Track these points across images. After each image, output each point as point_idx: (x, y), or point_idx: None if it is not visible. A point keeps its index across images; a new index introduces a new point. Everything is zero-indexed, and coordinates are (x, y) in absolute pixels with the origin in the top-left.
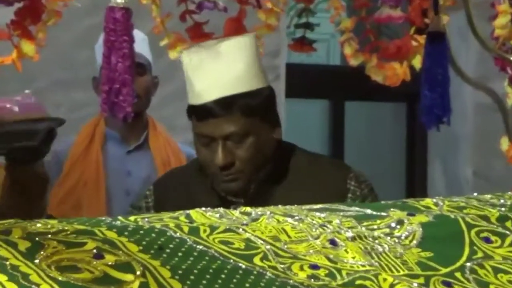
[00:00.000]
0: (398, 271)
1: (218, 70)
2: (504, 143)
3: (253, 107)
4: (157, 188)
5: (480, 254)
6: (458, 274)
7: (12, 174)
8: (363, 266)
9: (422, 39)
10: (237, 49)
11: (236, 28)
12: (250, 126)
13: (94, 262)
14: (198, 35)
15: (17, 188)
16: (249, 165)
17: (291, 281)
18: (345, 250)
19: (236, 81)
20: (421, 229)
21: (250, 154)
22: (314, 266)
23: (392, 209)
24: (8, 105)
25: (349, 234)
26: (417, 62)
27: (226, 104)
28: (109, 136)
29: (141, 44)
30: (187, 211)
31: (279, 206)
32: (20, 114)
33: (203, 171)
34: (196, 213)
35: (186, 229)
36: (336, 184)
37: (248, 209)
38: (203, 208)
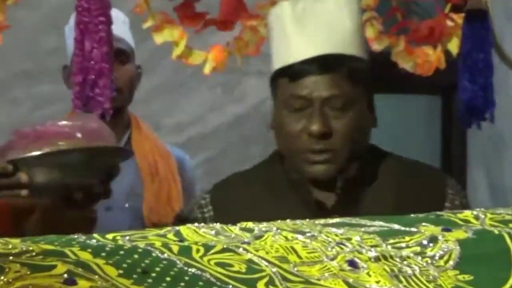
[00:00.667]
0: None
1: (324, 24)
2: None
3: (361, 73)
4: (217, 194)
5: None
6: None
7: (56, 216)
8: None
9: (459, 18)
10: (347, 4)
11: (235, 6)
12: (354, 95)
13: None
14: (189, 15)
15: (56, 231)
16: (347, 144)
17: None
18: (367, 273)
19: (343, 41)
20: (458, 247)
21: (350, 129)
22: None
23: (423, 224)
24: (67, 130)
25: (372, 253)
26: (454, 46)
27: (332, 62)
28: None
29: (122, 26)
30: (176, 228)
31: (288, 221)
32: (83, 141)
33: (287, 154)
34: (187, 230)
35: (175, 248)
36: (433, 190)
37: (250, 224)
38: (196, 224)
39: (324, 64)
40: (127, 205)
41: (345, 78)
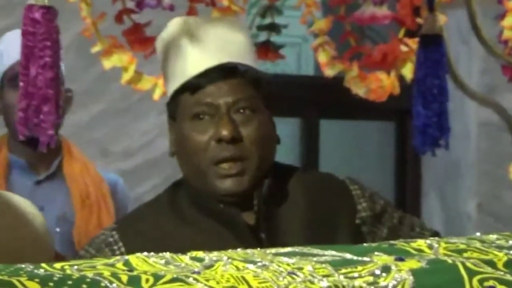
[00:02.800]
0: None
1: (219, 36)
2: None
3: (260, 79)
4: (125, 230)
5: None
6: None
7: None
8: None
9: (414, 43)
10: (235, 23)
11: None
12: (257, 100)
13: None
14: (138, 39)
15: None
16: (257, 151)
17: None
18: None
19: (239, 51)
20: (412, 277)
21: (259, 135)
22: None
23: (376, 253)
24: None
25: (324, 283)
26: (408, 71)
27: (232, 69)
28: (14, 164)
29: None
30: (126, 257)
31: (238, 250)
32: None
33: (193, 177)
34: (136, 259)
35: (124, 278)
36: (340, 194)
37: (201, 254)
38: (145, 253)
39: (224, 71)
40: (58, 229)
41: (247, 83)
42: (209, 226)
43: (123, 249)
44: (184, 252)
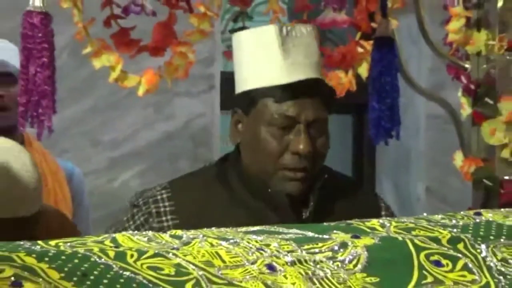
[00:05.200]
0: None
1: (303, 49)
2: (458, 158)
3: (330, 98)
4: (175, 187)
5: (430, 279)
6: None
7: None
8: None
9: (369, 45)
10: (312, 32)
11: (165, 34)
12: (326, 119)
13: None
14: (124, 42)
15: None
16: (319, 164)
17: None
18: (284, 276)
19: (317, 65)
20: (366, 252)
21: (324, 150)
22: None
23: (335, 231)
24: None
25: (289, 258)
26: (364, 70)
27: (313, 86)
28: None
29: (8, 52)
30: (113, 235)
31: (213, 228)
32: None
33: (257, 169)
34: (122, 237)
35: (111, 254)
36: (371, 204)
37: (179, 232)
38: (130, 232)
39: (308, 88)
40: None
41: (322, 103)
42: (257, 207)
43: (168, 208)
44: (227, 223)
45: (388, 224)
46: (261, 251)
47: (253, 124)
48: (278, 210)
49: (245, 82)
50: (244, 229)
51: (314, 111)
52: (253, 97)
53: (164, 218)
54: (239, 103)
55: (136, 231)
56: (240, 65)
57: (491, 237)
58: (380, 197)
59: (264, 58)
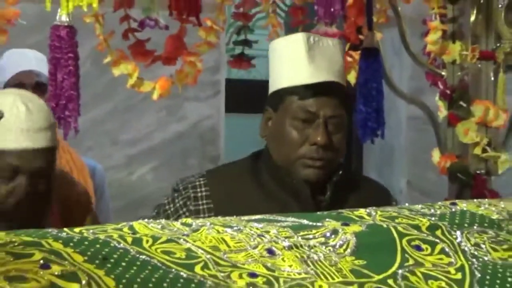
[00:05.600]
0: (333, 279)
1: (327, 57)
2: (436, 155)
3: (348, 100)
4: (212, 179)
5: (411, 262)
6: (390, 281)
7: None
8: (299, 274)
9: (356, 55)
10: (337, 45)
11: (176, 45)
12: (344, 117)
13: (41, 272)
14: (140, 52)
15: None
16: (337, 156)
17: None
18: (282, 259)
19: (339, 71)
20: (355, 238)
21: (341, 144)
22: (253, 275)
23: (327, 219)
24: None
25: (286, 243)
26: (352, 77)
27: (334, 88)
28: None
29: (39, 62)
30: (130, 223)
31: (219, 217)
32: None
33: (282, 159)
34: (139, 225)
35: (129, 239)
36: (383, 199)
37: (189, 220)
38: (146, 220)
39: (328, 88)
40: None
41: (340, 103)
42: (281, 196)
43: (204, 193)
44: (254, 210)
45: (374, 213)
46: (262, 237)
47: (280, 118)
48: (300, 199)
49: (275, 83)
50: (246, 217)
51: (332, 109)
52: (281, 95)
53: (200, 202)
54: (270, 102)
55: (174, 212)
56: (273, 68)
57: (465, 225)
58: (390, 193)
59: (292, 62)
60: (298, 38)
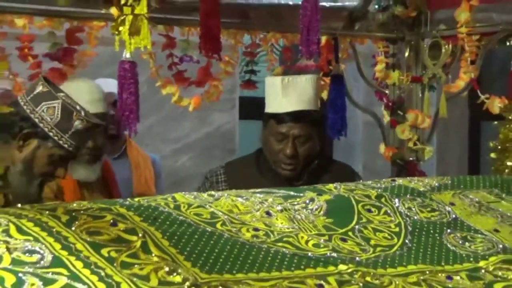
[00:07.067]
0: (311, 231)
1: (299, 91)
2: (382, 148)
3: (316, 121)
4: (228, 169)
5: (364, 220)
6: (350, 233)
7: None
8: (288, 228)
9: (327, 80)
10: (309, 81)
11: (205, 74)
12: (311, 133)
13: (111, 228)
14: (180, 78)
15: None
16: (304, 160)
17: (241, 239)
18: (276, 218)
19: (309, 101)
20: (325, 204)
21: (307, 153)
22: (256, 229)
23: (307, 191)
24: None
25: (279, 207)
26: (325, 95)
27: (302, 115)
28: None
29: (113, 86)
30: (173, 194)
31: (233, 190)
32: None
33: (269, 158)
34: (178, 196)
35: (171, 205)
36: (349, 176)
37: (213, 192)
38: (183, 193)
39: (296, 116)
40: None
41: (308, 124)
42: (272, 179)
43: (223, 178)
44: (256, 187)
45: (339, 187)
46: (262, 204)
47: (266, 133)
48: (283, 182)
49: (266, 106)
50: (252, 190)
51: (298, 130)
52: (267, 117)
53: (220, 185)
54: (263, 119)
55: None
56: (266, 96)
57: (401, 194)
58: (355, 171)
59: (273, 95)
60: (277, 80)
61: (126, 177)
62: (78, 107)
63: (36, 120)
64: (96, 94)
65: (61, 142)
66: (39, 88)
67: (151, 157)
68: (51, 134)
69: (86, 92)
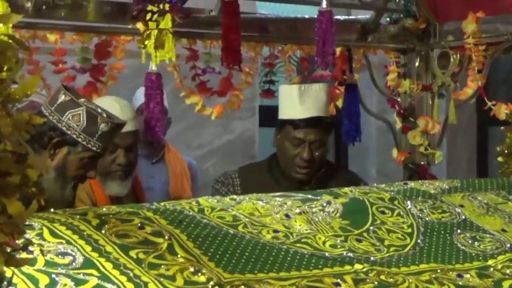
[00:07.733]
0: (328, 233)
1: (313, 98)
2: (394, 152)
3: (328, 127)
4: (242, 173)
5: (378, 221)
6: (365, 234)
7: None
8: (306, 230)
9: (342, 88)
10: (322, 88)
11: (226, 84)
12: (325, 139)
13: (139, 231)
14: (203, 89)
15: None
16: (318, 164)
17: (261, 241)
18: (295, 221)
19: (322, 108)
20: (342, 206)
21: (321, 158)
22: (276, 231)
23: (324, 194)
24: None
25: (297, 210)
26: (340, 103)
27: (317, 120)
28: (141, 154)
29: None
30: (197, 199)
31: (254, 194)
32: None
33: (283, 162)
34: (202, 200)
35: (196, 209)
36: (354, 182)
37: (235, 196)
38: (207, 197)
39: (312, 122)
40: (163, 188)
41: (322, 130)
42: (284, 184)
43: (238, 182)
44: (269, 191)
45: (354, 190)
46: (281, 207)
47: (282, 138)
48: (293, 187)
49: (281, 113)
50: (272, 194)
51: (314, 135)
52: (283, 123)
53: (235, 188)
54: (277, 125)
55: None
56: (280, 104)
57: (413, 197)
58: (360, 177)
59: (289, 102)
60: (293, 87)
61: (163, 180)
62: (99, 110)
63: (64, 128)
64: (129, 113)
65: (89, 145)
66: (62, 98)
67: (187, 161)
68: (79, 139)
69: (119, 112)
